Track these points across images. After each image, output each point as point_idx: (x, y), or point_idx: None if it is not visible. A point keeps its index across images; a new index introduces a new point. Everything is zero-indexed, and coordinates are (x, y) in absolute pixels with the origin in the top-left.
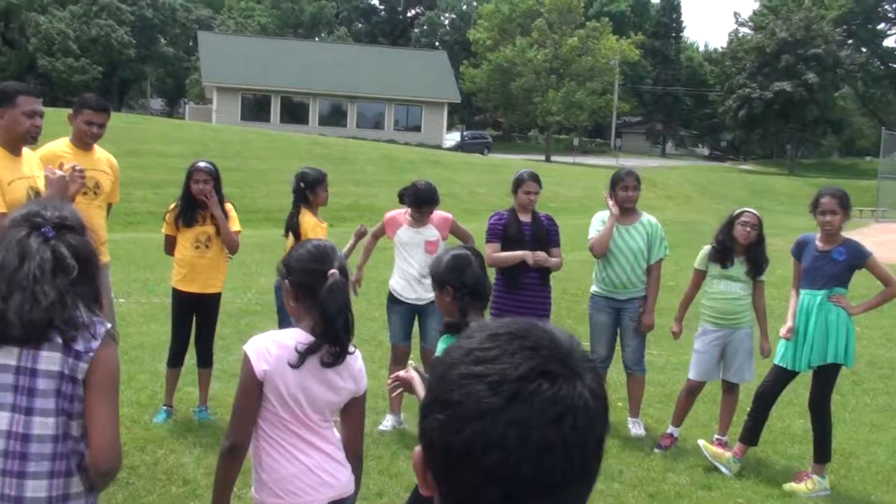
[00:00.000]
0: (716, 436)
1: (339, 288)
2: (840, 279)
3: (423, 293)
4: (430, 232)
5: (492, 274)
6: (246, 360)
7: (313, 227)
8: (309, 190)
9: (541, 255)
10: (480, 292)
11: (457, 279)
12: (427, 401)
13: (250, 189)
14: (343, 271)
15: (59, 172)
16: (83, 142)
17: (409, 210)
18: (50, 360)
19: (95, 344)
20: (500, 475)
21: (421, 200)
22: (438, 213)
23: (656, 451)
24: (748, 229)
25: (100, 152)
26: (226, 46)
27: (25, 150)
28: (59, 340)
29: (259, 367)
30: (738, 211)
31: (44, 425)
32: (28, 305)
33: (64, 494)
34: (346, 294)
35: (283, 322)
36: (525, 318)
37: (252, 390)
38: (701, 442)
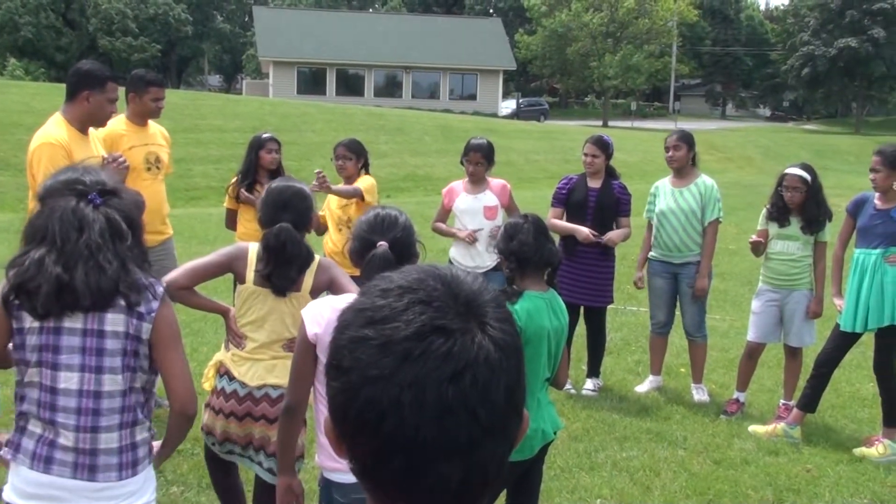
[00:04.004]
0: (782, 401)
1: (377, 261)
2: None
3: (480, 261)
4: (489, 197)
5: None
6: (301, 324)
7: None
8: None
9: (602, 237)
10: (527, 260)
11: (505, 247)
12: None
13: (308, 162)
14: (398, 243)
15: (116, 156)
16: (143, 118)
17: (466, 178)
18: (115, 321)
19: (156, 304)
20: (401, 441)
21: (467, 147)
22: (497, 181)
23: (722, 416)
24: (790, 194)
25: (154, 126)
26: (281, 20)
27: (91, 130)
28: (123, 303)
29: (311, 329)
30: (781, 173)
31: (113, 382)
32: (95, 275)
33: (132, 443)
34: (386, 268)
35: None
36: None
37: (305, 352)
38: (751, 428)
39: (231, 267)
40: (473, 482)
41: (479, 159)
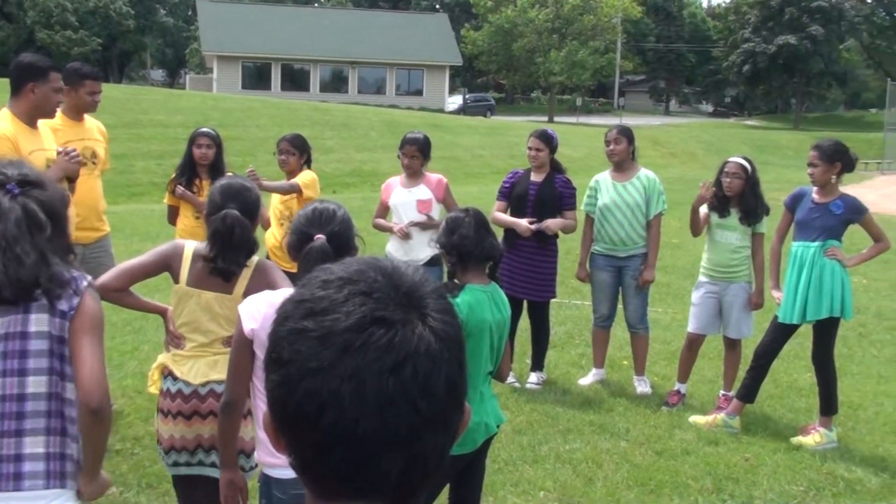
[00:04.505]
0: (722, 392)
1: (314, 254)
2: (834, 232)
3: (414, 255)
4: (422, 191)
5: None
6: (238, 319)
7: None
8: None
9: (540, 224)
10: (468, 253)
11: (446, 241)
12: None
13: (252, 157)
14: (336, 236)
15: (69, 150)
16: (78, 112)
17: (403, 174)
18: (39, 321)
19: (77, 301)
20: (341, 434)
21: (403, 141)
22: (434, 175)
23: (664, 408)
24: (729, 180)
25: (90, 121)
26: (225, 14)
27: (41, 124)
28: (45, 301)
29: (248, 325)
30: (724, 162)
31: (38, 384)
32: (13, 266)
33: (61, 453)
34: (323, 262)
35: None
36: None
37: (242, 348)
38: (691, 419)
39: (167, 266)
40: (414, 474)
41: (414, 153)
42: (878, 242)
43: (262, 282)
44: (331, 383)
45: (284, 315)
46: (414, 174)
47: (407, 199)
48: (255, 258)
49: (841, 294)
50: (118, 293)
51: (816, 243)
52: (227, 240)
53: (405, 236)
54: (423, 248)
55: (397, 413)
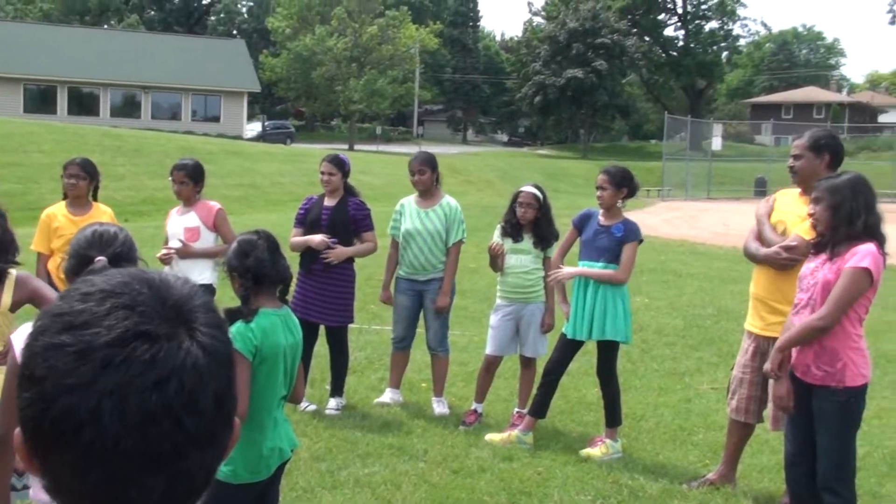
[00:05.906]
0: (516, 409)
1: None
2: (614, 254)
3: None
4: (189, 218)
5: None
6: (10, 349)
7: (48, 216)
8: None
9: (333, 250)
10: (264, 276)
11: (239, 264)
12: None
13: (35, 185)
14: (119, 258)
15: None
16: None
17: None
18: None
19: None
20: (100, 453)
21: (172, 167)
22: (206, 202)
23: (461, 427)
24: (523, 210)
25: None
26: (4, 34)
27: None
28: None
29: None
30: (516, 191)
31: None
32: None
33: None
34: None
35: None
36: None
37: (16, 379)
38: (487, 437)
39: None
40: (178, 493)
41: (182, 178)
42: (617, 271)
43: (27, 291)
44: (89, 400)
45: (40, 329)
46: (185, 200)
47: (177, 226)
48: (13, 271)
49: (623, 320)
50: None
51: (600, 263)
52: None
53: (165, 262)
54: (192, 273)
55: (160, 430)
